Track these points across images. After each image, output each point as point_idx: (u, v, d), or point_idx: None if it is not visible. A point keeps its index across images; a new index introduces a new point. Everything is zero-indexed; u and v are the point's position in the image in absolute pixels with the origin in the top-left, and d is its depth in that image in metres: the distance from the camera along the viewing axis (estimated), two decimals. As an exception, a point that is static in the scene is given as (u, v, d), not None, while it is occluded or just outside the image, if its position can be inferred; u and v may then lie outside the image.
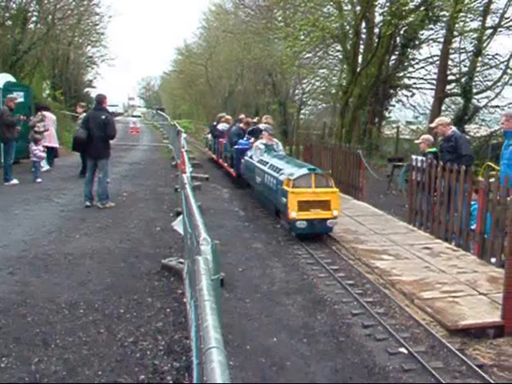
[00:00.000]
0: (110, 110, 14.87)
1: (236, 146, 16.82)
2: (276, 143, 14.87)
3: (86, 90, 49.40)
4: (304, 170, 10.45)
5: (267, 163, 12.40)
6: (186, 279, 6.68)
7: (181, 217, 8.27)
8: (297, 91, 42.52)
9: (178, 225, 8.16)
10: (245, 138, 16.97)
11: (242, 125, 18.32)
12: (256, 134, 16.40)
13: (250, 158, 14.38)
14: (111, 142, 13.04)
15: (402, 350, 5.81)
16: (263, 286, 7.72)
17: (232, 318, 6.51)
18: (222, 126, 21.79)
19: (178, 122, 40.89)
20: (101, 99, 12.91)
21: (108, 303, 6.82)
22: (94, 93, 36.59)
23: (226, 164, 19.28)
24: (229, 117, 23.41)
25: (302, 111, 39.47)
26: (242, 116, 20.68)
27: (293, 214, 9.99)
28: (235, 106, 42.83)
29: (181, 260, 8.02)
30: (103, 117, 12.40)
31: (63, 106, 32.48)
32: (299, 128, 35.62)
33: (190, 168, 10.51)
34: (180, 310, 6.57)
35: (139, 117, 78.60)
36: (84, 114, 15.23)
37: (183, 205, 7.63)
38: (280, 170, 11.16)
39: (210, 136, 24.66)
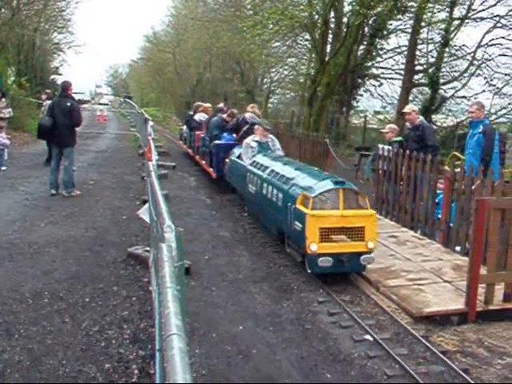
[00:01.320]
0: (77, 97, 14.68)
1: (217, 142, 14.28)
2: (271, 140, 11.87)
3: (53, 77, 48.82)
4: (328, 184, 7.55)
5: (266, 168, 9.66)
6: (151, 267, 6.64)
7: (147, 205, 8.21)
8: (265, 80, 42.60)
9: (143, 213, 8.10)
10: (225, 134, 14.54)
11: (225, 116, 15.58)
12: (240, 129, 13.71)
13: (238, 157, 11.83)
14: (77, 129, 12.88)
15: (367, 337, 5.85)
16: (229, 274, 7.71)
17: (198, 307, 6.49)
18: (199, 117, 18.98)
19: (146, 109, 40.58)
20: (65, 86, 12.72)
21: (73, 292, 6.74)
22: (60, 80, 36.14)
23: (203, 162, 16.49)
24: (207, 105, 20.69)
25: (271, 100, 39.56)
26: (221, 105, 18.73)
27: (313, 246, 7.11)
28: (203, 94, 42.58)
29: (147, 248, 7.98)
30: (68, 104, 12.22)
31: (29, 93, 32.01)
32: (267, 117, 35.63)
33: (156, 156, 10.42)
34: (146, 299, 6.52)
35: (106, 105, 77.97)
36: (48, 102, 15.01)
37: (149, 193, 7.58)
38: (289, 180, 8.33)
39: (185, 128, 21.84)
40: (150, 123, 18.44)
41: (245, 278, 7.60)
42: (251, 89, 37.61)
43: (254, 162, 10.62)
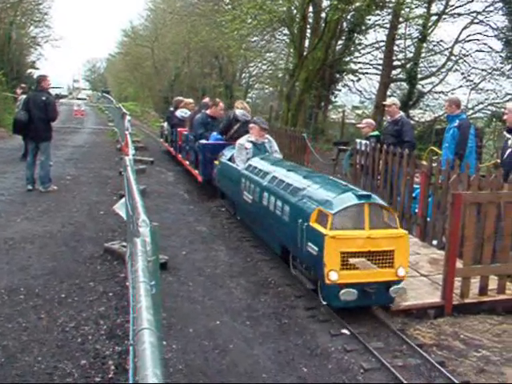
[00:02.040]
0: (54, 92, 14.49)
1: (203, 141, 12.81)
2: (268, 141, 10.56)
3: (29, 71, 48.32)
4: (351, 198, 6.25)
5: (266, 174, 8.43)
6: (128, 263, 6.59)
7: (123, 200, 8.17)
8: (243, 74, 42.59)
9: (120, 208, 8.06)
10: (214, 133, 12.98)
11: (209, 111, 13.80)
12: (230, 128, 12.58)
13: (230, 160, 10.65)
14: (54, 124, 12.76)
15: (345, 331, 5.87)
16: (207, 269, 7.69)
17: (175, 302, 6.47)
18: (180, 113, 17.80)
19: (124, 104, 40.35)
20: (41, 80, 12.57)
21: (49, 288, 6.68)
22: (37, 74, 35.82)
23: (187, 162, 15.05)
24: (189, 100, 19.33)
25: (249, 95, 39.52)
26: (206, 100, 16.27)
27: (332, 275, 5.87)
28: (182, 89, 42.45)
29: (124, 243, 7.93)
30: (43, 98, 12.09)
31: (5, 87, 31.66)
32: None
33: (133, 150, 10.36)
34: (122, 294, 6.49)
35: (84, 99, 77.58)
36: (23, 96, 14.85)
37: (125, 187, 7.53)
38: (298, 190, 7.06)
39: (165, 124, 20.71)
40: (128, 118, 18.31)
41: (222, 273, 7.59)
42: (230, 83, 37.57)
43: (250, 166, 9.33)
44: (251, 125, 10.55)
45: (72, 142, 23.18)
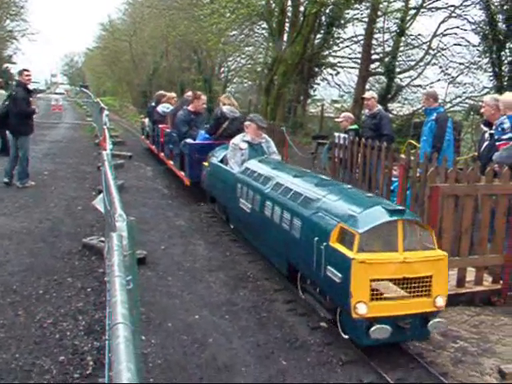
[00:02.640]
0: (32, 86, 14.28)
1: (189, 141, 11.81)
2: (266, 141, 9.57)
3: (6, 65, 47.78)
4: (381, 214, 5.26)
5: (268, 179, 7.51)
6: (106, 258, 6.57)
7: (102, 195, 8.12)
8: (222, 69, 42.44)
9: (98, 203, 8.01)
10: (202, 132, 12.07)
11: (191, 107, 12.62)
12: (218, 127, 11.60)
13: (221, 161, 9.81)
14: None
15: (323, 324, 5.88)
16: (186, 264, 7.69)
17: (154, 296, 6.47)
18: (162, 108, 16.55)
19: (102, 99, 40.08)
20: (19, 73, 12.53)
21: (27, 284, 6.64)
22: (13, 69, 35.47)
23: (171, 162, 13.94)
24: (172, 94, 17.96)
25: (228, 89, 39.35)
26: (189, 94, 14.95)
27: (361, 308, 4.91)
28: (160, 83, 42.25)
29: (102, 239, 7.90)
30: (14, 92, 12.07)
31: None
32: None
33: (111, 145, 10.29)
34: (101, 290, 6.46)
35: (62, 94, 76.92)
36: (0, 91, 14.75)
37: (103, 182, 7.49)
38: (311, 201, 6.15)
39: (147, 121, 19.41)
40: (106, 112, 18.18)
41: (201, 267, 7.60)
42: (208, 78, 37.44)
43: (248, 169, 8.37)
44: (247, 123, 9.49)
45: (50, 137, 22.98)
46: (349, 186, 6.81)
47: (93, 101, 34.02)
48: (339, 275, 5.07)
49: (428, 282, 5.16)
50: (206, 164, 10.59)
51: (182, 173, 12.35)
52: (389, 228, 5.19)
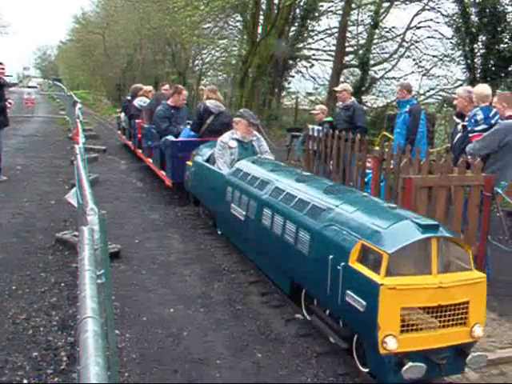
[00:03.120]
0: (5, 80, 14.03)
1: (170, 138, 10.97)
2: (257, 138, 8.91)
3: (-23, 59, 47.26)
4: (413, 230, 4.47)
5: (265, 184, 6.71)
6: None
7: (74, 189, 8.05)
8: (197, 62, 42.27)
9: (71, 197, 7.94)
10: (186, 128, 11.31)
11: (170, 101, 11.84)
12: (202, 122, 10.80)
13: (208, 161, 9.06)
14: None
15: (298, 316, 5.90)
16: (160, 257, 7.66)
17: (128, 291, 6.44)
18: (139, 102, 15.55)
19: (76, 92, 39.78)
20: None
21: (-1, 280, 6.58)
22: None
23: (150, 160, 13.19)
24: (149, 88, 16.93)
25: (203, 82, 39.15)
26: (166, 87, 14.71)
27: (390, 342, 4.20)
28: (134, 76, 41.98)
29: (75, 233, 7.83)
30: None
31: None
32: (199, 99, 35.42)
33: (84, 139, 10.19)
34: (74, 284, 6.38)
35: (35, 87, 76.28)
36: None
37: (76, 176, 7.43)
38: (321, 211, 5.35)
39: (123, 115, 18.35)
40: (79, 106, 18.03)
41: (176, 261, 7.58)
42: (183, 71, 37.28)
43: (239, 171, 7.60)
44: (236, 119, 8.76)
45: (22, 131, 22.76)
46: (364, 194, 5.90)
47: (66, 94, 33.74)
48: (363, 303, 4.30)
49: (465, 308, 4.45)
50: (189, 163, 9.77)
51: (163, 172, 11.55)
52: (421, 247, 4.44)
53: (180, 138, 11.04)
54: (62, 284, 6.53)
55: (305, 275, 5.45)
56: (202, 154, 9.44)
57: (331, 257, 4.74)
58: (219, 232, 8.71)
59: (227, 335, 5.46)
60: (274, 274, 6.54)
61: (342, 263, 4.57)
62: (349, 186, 7.48)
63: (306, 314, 5.77)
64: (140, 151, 14.77)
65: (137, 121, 15.01)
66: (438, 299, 4.31)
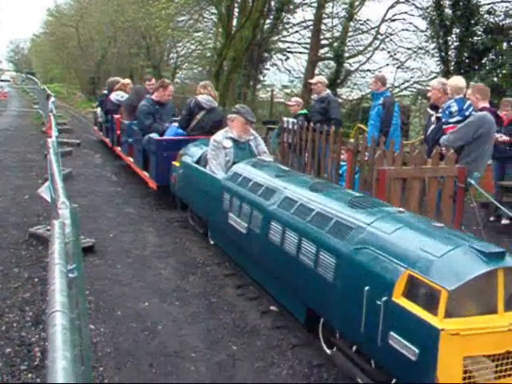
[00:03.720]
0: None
1: (154, 136, 10.11)
2: (254, 138, 8.05)
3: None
4: (474, 260, 3.68)
5: (272, 192, 5.84)
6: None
7: (47, 183, 7.98)
8: (172, 55, 42.10)
9: (44, 191, 7.87)
10: (173, 125, 10.44)
11: (155, 96, 10.92)
12: (192, 118, 10.02)
13: (198, 162, 8.18)
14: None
15: (273, 308, 5.91)
16: (135, 251, 7.63)
17: (103, 285, 6.40)
18: (116, 96, 14.73)
19: (50, 86, 39.45)
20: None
21: (-29, 276, 6.51)
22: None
23: (131, 159, 12.22)
24: (127, 81, 15.95)
25: (178, 75, 39.09)
26: (152, 82, 13.59)
27: None
28: (109, 70, 41.71)
29: (49, 228, 7.76)
30: None
31: None
32: (174, 92, 35.26)
33: (57, 132, 10.08)
34: (48, 279, 6.36)
35: (8, 81, 75.43)
36: None
37: (49, 170, 7.36)
38: (350, 230, 4.50)
39: (99, 110, 17.27)
40: (52, 99, 17.86)
41: (150, 254, 7.55)
42: (157, 64, 37.08)
43: (238, 175, 6.75)
44: (232, 115, 7.81)
45: (-5, 125, 22.55)
46: (399, 209, 4.79)
47: (40, 88, 33.44)
48: (415, 350, 3.54)
49: None
50: (176, 164, 8.91)
51: (146, 173, 10.68)
52: (486, 281, 3.64)
53: (166, 137, 10.17)
54: (36, 279, 6.47)
55: (327, 304, 4.58)
56: (190, 153, 8.55)
57: (367, 288, 3.93)
58: (211, 242, 7.89)
59: (202, 328, 5.45)
60: (283, 298, 5.63)
61: (384, 298, 3.78)
62: (362, 193, 6.17)
63: (324, 347, 4.96)
64: (119, 149, 13.87)
65: (115, 116, 14.19)
66: (505, 345, 3.59)
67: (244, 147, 7.76)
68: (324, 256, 4.57)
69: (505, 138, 9.68)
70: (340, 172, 9.65)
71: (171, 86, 11.25)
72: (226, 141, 7.60)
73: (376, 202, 5.09)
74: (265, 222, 5.64)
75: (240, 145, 7.71)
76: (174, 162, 9.06)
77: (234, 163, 7.35)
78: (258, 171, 6.64)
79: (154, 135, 10.15)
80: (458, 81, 8.21)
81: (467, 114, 7.77)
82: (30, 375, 4.51)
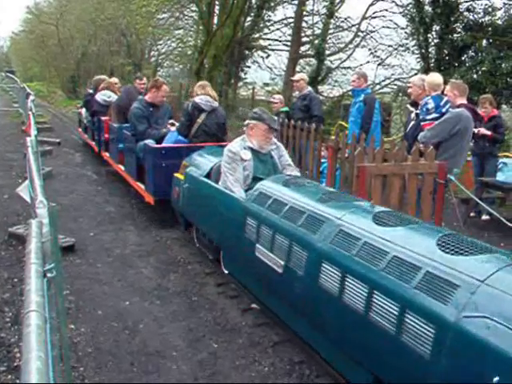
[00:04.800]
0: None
1: (150, 143, 8.88)
2: (276, 147, 6.67)
3: None
4: None
5: (320, 222, 4.50)
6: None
7: (26, 182, 7.92)
8: (152, 52, 41.96)
9: (22, 191, 7.80)
10: (173, 131, 9.19)
11: (148, 97, 9.62)
12: (192, 122, 8.86)
13: (208, 176, 6.87)
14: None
15: (254, 305, 5.91)
16: (116, 250, 7.60)
17: (83, 284, 6.38)
18: (102, 96, 13.55)
19: (30, 84, 39.15)
20: None
21: (-51, 276, 6.46)
22: None
23: (121, 167, 10.93)
24: (114, 80, 14.92)
25: (159, 73, 38.89)
26: (143, 81, 12.89)
27: None
28: (89, 68, 41.51)
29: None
30: None
31: None
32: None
33: (36, 131, 9.99)
34: (28, 279, 6.31)
35: (-14, 80, 74.69)
36: None
37: (28, 169, 7.31)
38: (455, 288, 3.14)
39: (84, 111, 15.99)
40: (31, 98, 17.71)
41: (131, 253, 7.52)
42: (138, 62, 36.98)
43: (266, 196, 5.38)
44: (251, 122, 6.41)
45: (-27, 125, 22.34)
46: (503, 251, 3.51)
47: (19, 86, 33.18)
48: None
49: None
50: (179, 176, 7.68)
51: (141, 185, 9.37)
52: None
53: (164, 144, 8.95)
54: (15, 279, 6.42)
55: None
56: (197, 165, 7.38)
57: (496, 379, 2.70)
58: (225, 271, 6.60)
59: (183, 327, 5.44)
60: (337, 359, 4.35)
61: None
62: (454, 230, 4.57)
63: None
64: (107, 155, 12.61)
65: (102, 118, 12.97)
66: None
67: (265, 159, 6.47)
68: (413, 321, 3.31)
69: (484, 131, 9.76)
70: (321, 169, 9.69)
71: (165, 86, 9.90)
72: (245, 152, 6.31)
73: (485, 247, 3.57)
74: (313, 263, 4.33)
75: (261, 156, 6.42)
76: (176, 174, 7.83)
77: (253, 178, 6.23)
78: (292, 192, 5.26)
79: (151, 142, 8.97)
80: (435, 77, 8.26)
81: (444, 110, 7.81)
82: (9, 376, 4.48)
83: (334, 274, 4.05)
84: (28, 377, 1.41)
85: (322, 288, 4.16)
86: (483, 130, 9.74)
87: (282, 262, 4.72)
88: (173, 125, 9.46)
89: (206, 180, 6.81)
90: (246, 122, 6.54)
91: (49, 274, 2.87)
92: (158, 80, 10.18)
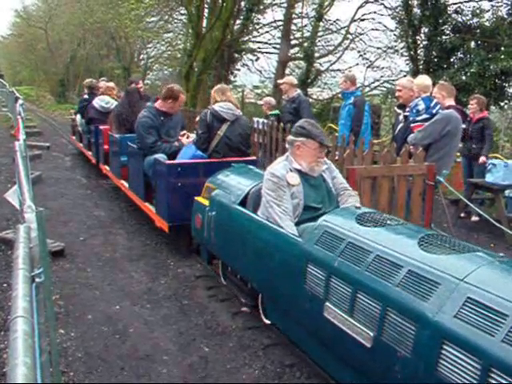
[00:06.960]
0: None
1: (162, 158, 7.49)
2: (328, 167, 5.33)
3: None
4: None
5: (428, 282, 3.17)
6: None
7: (15, 187, 7.87)
8: (142, 56, 41.99)
9: (11, 195, 7.76)
10: (191, 144, 7.77)
11: (158, 105, 8.13)
12: (212, 135, 7.49)
13: (243, 204, 5.53)
14: None
15: (245, 309, 5.90)
16: (106, 254, 7.57)
17: (73, 289, 6.34)
18: (100, 102, 12.58)
19: (19, 88, 38.95)
20: None
21: None
22: None
23: (125, 184, 9.55)
24: (110, 84, 13.76)
25: (148, 76, 38.94)
26: (140, 85, 11.65)
27: None
28: (78, 72, 41.45)
29: (18, 232, 7.67)
30: None
31: None
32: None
33: (24, 135, 9.94)
34: (17, 284, 6.27)
35: (-26, 84, 74.31)
36: None
37: (16, 174, 7.28)
38: None
39: (78, 118, 14.61)
40: (20, 102, 17.64)
41: (121, 257, 7.49)
42: (128, 65, 36.98)
43: (335, 238, 4.05)
44: (298, 139, 5.05)
45: (-39, 129, 22.21)
46: None
47: (8, 90, 33.05)
48: None
49: None
50: (202, 201, 6.34)
51: (151, 207, 8.08)
52: None
53: (180, 160, 7.54)
54: (5, 284, 6.37)
55: None
56: (226, 187, 6.02)
57: None
58: (266, 321, 5.44)
59: (174, 330, 5.42)
60: None
61: None
62: None
63: None
64: (107, 168, 11.27)
65: (101, 127, 11.68)
66: None
67: (317, 184, 5.14)
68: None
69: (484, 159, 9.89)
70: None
71: (183, 95, 8.28)
72: (291, 175, 4.98)
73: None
74: (425, 340, 3.04)
75: (311, 181, 5.09)
76: (197, 198, 6.52)
77: (304, 208, 4.97)
78: (375, 234, 3.90)
79: (162, 157, 7.57)
80: (423, 79, 8.30)
81: (434, 112, 7.86)
82: (-1, 382, 4.46)
83: (467, 364, 2.77)
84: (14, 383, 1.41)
85: (442, 378, 2.89)
86: (483, 159, 9.87)
87: (371, 334, 3.44)
88: (186, 136, 8.21)
89: (241, 209, 5.48)
90: (290, 138, 5.18)
91: (37, 279, 2.86)
92: (173, 89, 8.18)
